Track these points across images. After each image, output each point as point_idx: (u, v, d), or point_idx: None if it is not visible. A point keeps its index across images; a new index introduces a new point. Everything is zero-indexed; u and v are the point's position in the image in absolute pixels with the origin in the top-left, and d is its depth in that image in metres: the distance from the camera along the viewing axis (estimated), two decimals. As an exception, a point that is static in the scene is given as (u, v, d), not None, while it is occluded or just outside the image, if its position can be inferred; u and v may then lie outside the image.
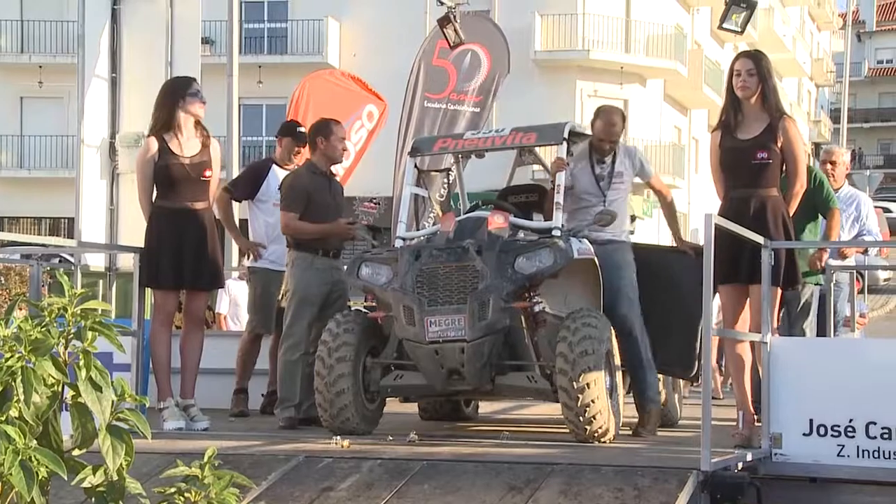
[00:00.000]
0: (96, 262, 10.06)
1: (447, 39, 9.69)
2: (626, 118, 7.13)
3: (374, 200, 7.14)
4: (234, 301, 11.43)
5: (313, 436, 6.20)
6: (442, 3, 9.83)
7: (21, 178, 30.78)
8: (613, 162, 6.74)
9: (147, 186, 6.69)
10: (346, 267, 6.85)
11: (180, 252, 6.60)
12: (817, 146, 47.14)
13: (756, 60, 6.01)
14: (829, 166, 7.93)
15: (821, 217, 7.36)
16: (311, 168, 7.09)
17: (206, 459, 2.24)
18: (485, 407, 8.16)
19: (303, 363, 6.76)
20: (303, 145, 7.60)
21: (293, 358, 6.80)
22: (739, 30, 8.97)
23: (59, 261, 11.27)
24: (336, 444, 5.70)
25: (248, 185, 7.84)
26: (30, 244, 7.80)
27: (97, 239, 9.52)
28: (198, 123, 6.71)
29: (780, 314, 6.97)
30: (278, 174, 7.60)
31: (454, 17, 9.58)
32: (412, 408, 7.51)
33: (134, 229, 7.85)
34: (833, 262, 7.14)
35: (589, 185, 6.69)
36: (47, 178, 29.95)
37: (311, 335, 6.78)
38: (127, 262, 8.55)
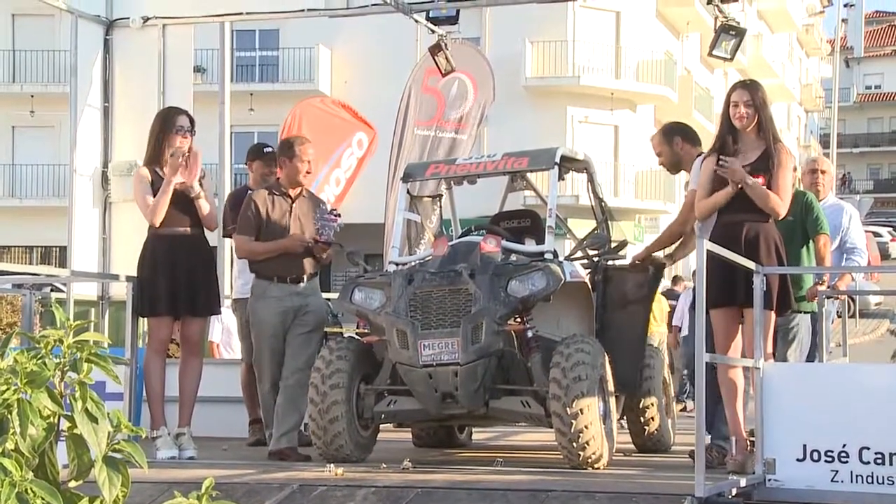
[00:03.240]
0: (88, 290, 10.04)
1: (438, 67, 9.74)
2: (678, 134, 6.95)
3: (335, 212, 6.85)
4: (226, 329, 11.40)
5: (307, 464, 6.18)
6: (433, 32, 9.89)
7: (12, 206, 30.76)
8: None
9: (147, 204, 6.66)
10: (304, 291, 6.69)
11: (174, 278, 6.60)
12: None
13: (752, 91, 6.06)
14: (818, 175, 7.57)
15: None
16: (272, 187, 6.90)
17: (203, 490, 2.24)
18: (479, 434, 8.14)
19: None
20: (274, 165, 7.34)
21: (265, 390, 6.79)
22: (729, 57, 9.02)
23: (51, 290, 11.26)
24: (330, 472, 5.69)
25: (237, 216, 7.72)
26: (22, 273, 7.78)
27: (89, 268, 9.49)
28: (190, 150, 6.72)
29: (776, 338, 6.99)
30: None
31: (445, 45, 9.63)
32: (406, 435, 7.50)
33: (126, 258, 7.83)
34: (822, 289, 7.13)
35: None
36: (39, 206, 29.95)
37: (273, 365, 6.69)
38: (119, 290, 8.53)
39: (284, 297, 6.68)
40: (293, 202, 6.83)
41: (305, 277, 6.75)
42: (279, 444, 6.57)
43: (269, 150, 7.72)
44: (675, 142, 6.81)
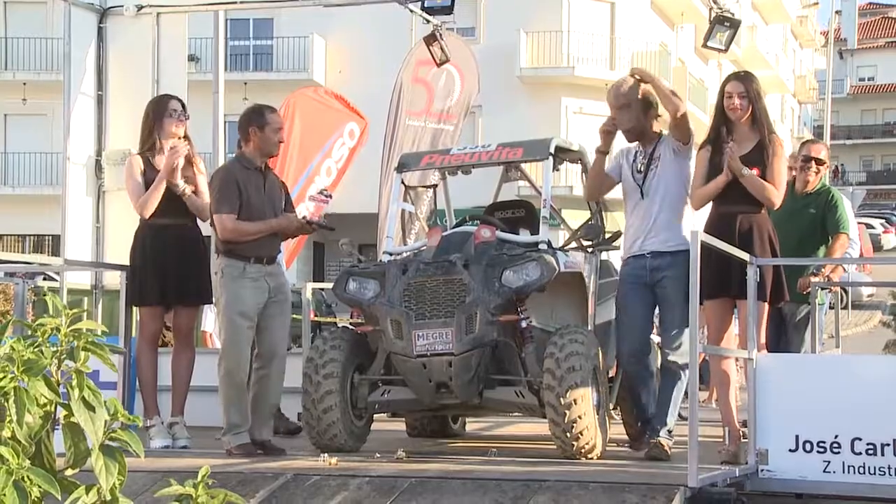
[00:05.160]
0: (81, 279, 10.02)
1: (434, 57, 9.73)
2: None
3: (325, 193, 6.65)
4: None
5: (301, 453, 6.19)
6: (428, 22, 9.88)
7: (5, 195, 30.71)
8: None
9: (141, 194, 6.65)
10: (276, 271, 6.37)
11: (164, 268, 6.61)
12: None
13: (746, 83, 6.07)
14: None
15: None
16: (242, 162, 6.32)
17: (199, 478, 2.24)
18: (472, 424, 8.16)
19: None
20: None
21: (236, 381, 6.22)
22: (724, 48, 9.02)
23: (44, 278, 11.24)
24: (324, 461, 5.70)
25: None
26: (14, 262, 7.76)
27: (82, 257, 9.47)
28: (185, 141, 6.73)
29: (782, 329, 7.01)
30: None
31: (440, 35, 9.62)
32: (399, 425, 7.50)
33: (120, 247, 7.82)
34: (814, 280, 7.15)
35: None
36: (31, 195, 29.90)
37: (249, 351, 6.27)
38: (113, 279, 8.52)
39: (260, 277, 6.28)
40: (265, 177, 6.39)
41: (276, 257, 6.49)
42: (262, 436, 6.33)
43: None
44: (650, 114, 6.35)
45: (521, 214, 7.27)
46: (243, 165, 6.32)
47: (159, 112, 6.72)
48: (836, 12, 54.60)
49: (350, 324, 9.43)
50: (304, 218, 6.52)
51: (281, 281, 6.45)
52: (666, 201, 6.26)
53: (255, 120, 6.30)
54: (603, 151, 6.39)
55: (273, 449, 6.29)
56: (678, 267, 6.02)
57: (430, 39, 9.64)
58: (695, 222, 6.26)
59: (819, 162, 7.27)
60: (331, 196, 6.78)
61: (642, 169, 6.33)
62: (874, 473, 5.30)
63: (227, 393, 6.23)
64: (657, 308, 6.37)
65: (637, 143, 6.42)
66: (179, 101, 6.85)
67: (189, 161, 6.71)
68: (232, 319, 6.21)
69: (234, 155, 6.57)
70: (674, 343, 6.15)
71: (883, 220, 43.24)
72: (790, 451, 5.43)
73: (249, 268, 6.25)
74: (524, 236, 6.71)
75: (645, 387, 6.36)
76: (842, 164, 64.01)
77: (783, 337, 7.14)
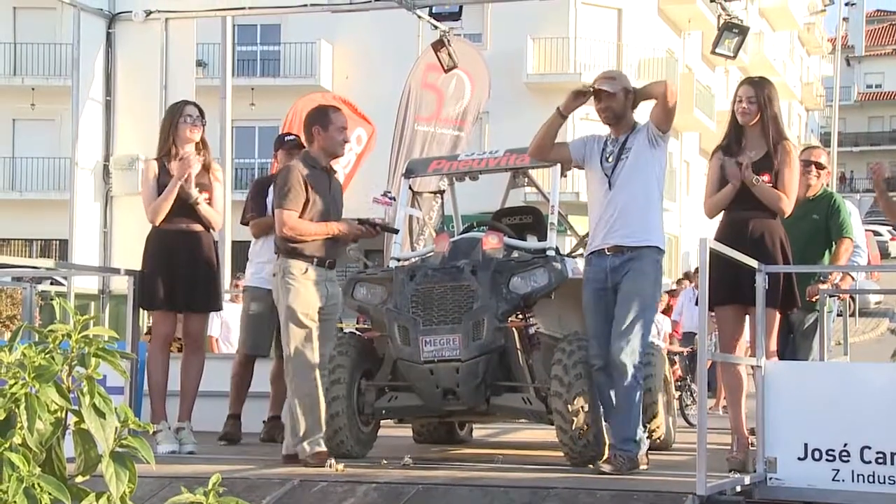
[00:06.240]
0: (89, 284, 10.04)
1: (441, 63, 9.75)
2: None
3: (388, 194, 6.59)
4: (225, 324, 11.40)
5: (302, 457, 6.16)
6: (436, 28, 9.89)
7: (12, 200, 30.75)
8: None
9: (152, 199, 6.66)
10: (334, 277, 6.21)
11: (175, 274, 6.61)
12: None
13: (758, 88, 6.05)
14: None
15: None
16: (308, 161, 6.19)
17: (210, 486, 2.24)
18: (479, 430, 8.14)
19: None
20: (297, 153, 7.15)
21: (308, 386, 5.97)
22: (732, 55, 9.02)
23: (51, 283, 11.25)
24: (330, 467, 5.69)
25: (258, 205, 7.50)
26: (22, 266, 7.77)
27: (90, 261, 9.50)
28: (200, 147, 6.75)
29: (790, 338, 6.98)
30: None
31: (448, 41, 9.63)
32: (406, 431, 7.49)
33: (127, 252, 7.85)
34: (822, 287, 7.12)
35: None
36: (39, 199, 29.94)
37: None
38: (120, 284, 8.53)
39: (321, 282, 6.10)
40: (330, 179, 6.26)
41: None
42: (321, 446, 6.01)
43: (291, 138, 7.61)
44: (629, 97, 6.03)
45: (528, 221, 7.26)
46: (310, 165, 6.16)
47: (175, 117, 6.75)
48: (844, 19, 54.47)
49: (357, 329, 9.42)
50: (368, 221, 6.31)
51: (337, 289, 6.24)
52: (634, 194, 5.86)
53: (319, 120, 6.19)
54: (563, 115, 5.95)
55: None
56: (639, 262, 5.75)
57: (438, 45, 9.65)
58: (661, 220, 5.96)
59: (819, 166, 7.24)
60: (394, 198, 6.73)
61: (612, 159, 5.95)
62: (884, 482, 5.27)
63: (300, 399, 5.97)
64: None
65: (610, 131, 6.05)
66: (197, 106, 6.85)
67: (206, 168, 6.73)
68: (299, 321, 5.97)
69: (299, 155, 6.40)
70: (623, 339, 5.70)
71: (890, 228, 43.10)
72: (799, 459, 5.41)
73: (312, 270, 6.06)
74: (532, 242, 6.71)
75: (602, 395, 5.91)
76: (850, 171, 63.92)
77: (791, 345, 7.11)
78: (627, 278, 5.78)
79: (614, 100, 5.95)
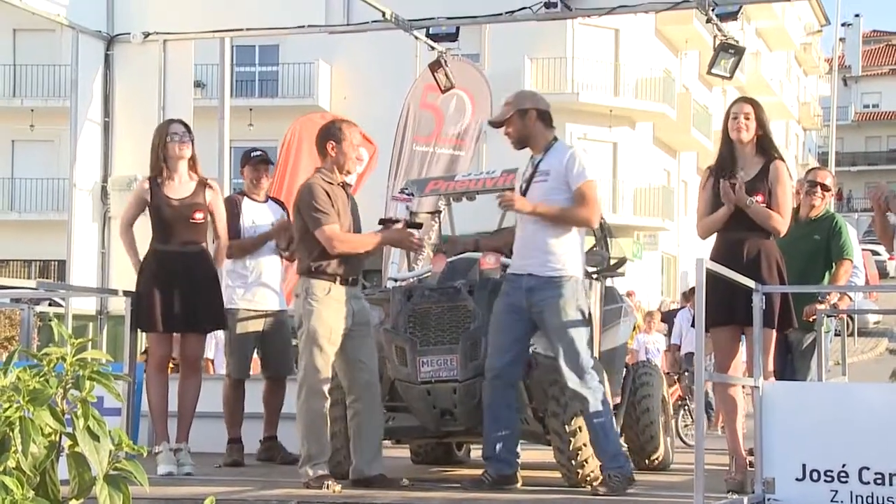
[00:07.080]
0: (87, 305, 10.02)
1: (438, 84, 9.76)
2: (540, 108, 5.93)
3: (406, 191, 6.61)
4: (220, 345, 11.38)
5: (302, 480, 6.15)
6: (433, 48, 9.91)
7: (11, 220, 30.76)
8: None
9: (129, 215, 6.81)
10: (358, 294, 6.03)
11: (171, 294, 6.61)
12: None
13: (755, 106, 6.07)
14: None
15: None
16: (325, 177, 6.02)
17: (205, 509, 2.24)
18: (477, 451, 8.12)
19: (337, 411, 6.04)
20: (264, 167, 7.47)
21: (317, 409, 5.85)
22: (728, 75, 9.02)
23: (49, 304, 11.24)
24: (328, 489, 5.67)
25: (231, 226, 7.29)
26: (20, 287, 7.77)
27: (88, 282, 9.48)
28: (192, 166, 6.77)
29: (788, 358, 6.97)
30: (250, 206, 7.48)
31: (445, 61, 9.65)
32: (404, 452, 7.47)
33: (125, 273, 7.82)
34: (820, 307, 7.12)
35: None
36: (37, 220, 29.95)
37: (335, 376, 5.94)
38: (118, 305, 8.52)
39: (345, 300, 5.91)
40: (346, 194, 6.11)
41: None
42: (371, 471, 5.93)
43: (258, 154, 7.60)
44: (530, 115, 5.90)
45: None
46: (326, 181, 6.01)
47: (161, 136, 6.78)
48: (841, 39, 54.70)
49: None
50: (391, 220, 6.21)
51: (363, 304, 6.06)
52: (541, 221, 5.71)
53: (333, 135, 6.05)
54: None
55: (386, 483, 5.86)
56: (556, 293, 5.63)
57: (435, 66, 9.67)
58: (579, 245, 5.77)
59: (825, 188, 7.26)
60: (412, 194, 6.73)
61: (523, 182, 5.83)
62: (882, 503, 5.26)
63: (306, 421, 5.85)
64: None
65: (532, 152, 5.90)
66: (182, 123, 6.88)
67: (203, 184, 6.75)
68: (319, 344, 5.81)
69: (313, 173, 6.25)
70: (570, 371, 5.64)
71: (889, 247, 43.06)
72: (797, 479, 5.40)
73: (335, 289, 5.88)
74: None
75: (500, 410, 5.83)
76: (849, 191, 64.02)
77: (789, 365, 7.11)
78: (550, 311, 5.68)
79: (510, 125, 5.88)
